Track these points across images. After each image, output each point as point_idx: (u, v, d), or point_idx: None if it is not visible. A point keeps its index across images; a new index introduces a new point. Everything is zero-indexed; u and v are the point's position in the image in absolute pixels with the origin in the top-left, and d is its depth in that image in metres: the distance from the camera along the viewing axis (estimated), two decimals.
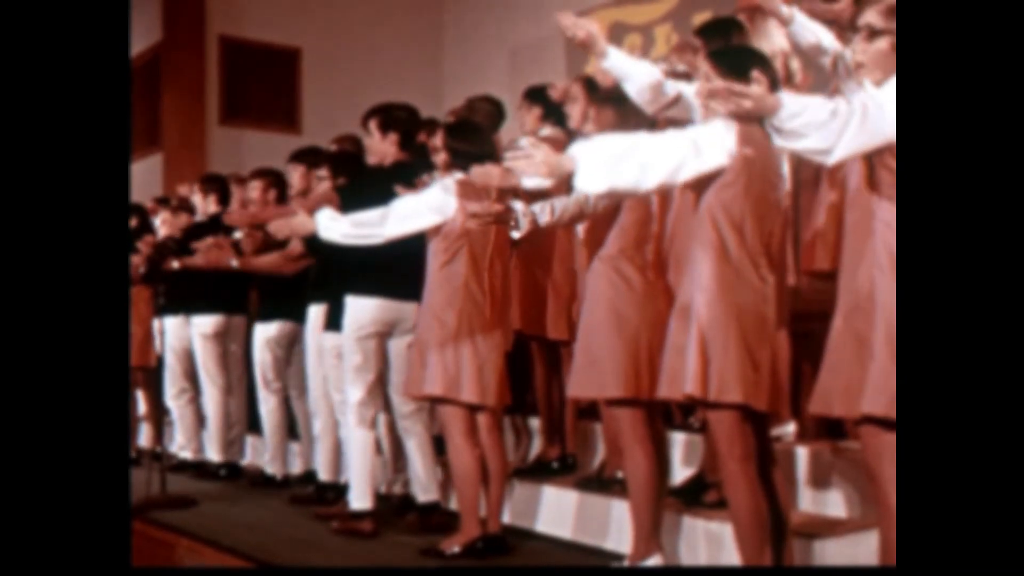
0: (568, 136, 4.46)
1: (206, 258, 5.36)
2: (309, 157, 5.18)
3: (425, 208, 3.85)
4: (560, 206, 3.44)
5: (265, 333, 5.45)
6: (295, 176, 5.20)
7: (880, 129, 2.32)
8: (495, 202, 3.87)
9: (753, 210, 2.89)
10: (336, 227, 3.88)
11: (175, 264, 5.65)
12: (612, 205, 3.37)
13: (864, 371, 2.42)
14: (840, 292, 2.57)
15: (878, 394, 2.38)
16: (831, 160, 2.36)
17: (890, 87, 2.39)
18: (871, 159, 2.46)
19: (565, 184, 3.61)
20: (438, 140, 4.06)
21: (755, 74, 2.82)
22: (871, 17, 2.49)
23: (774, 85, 2.86)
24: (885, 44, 2.47)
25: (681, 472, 4.13)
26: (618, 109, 3.45)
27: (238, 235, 5.55)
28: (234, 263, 5.26)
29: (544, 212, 3.45)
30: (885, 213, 2.42)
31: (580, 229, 3.82)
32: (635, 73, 3.43)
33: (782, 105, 2.32)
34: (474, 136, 4.01)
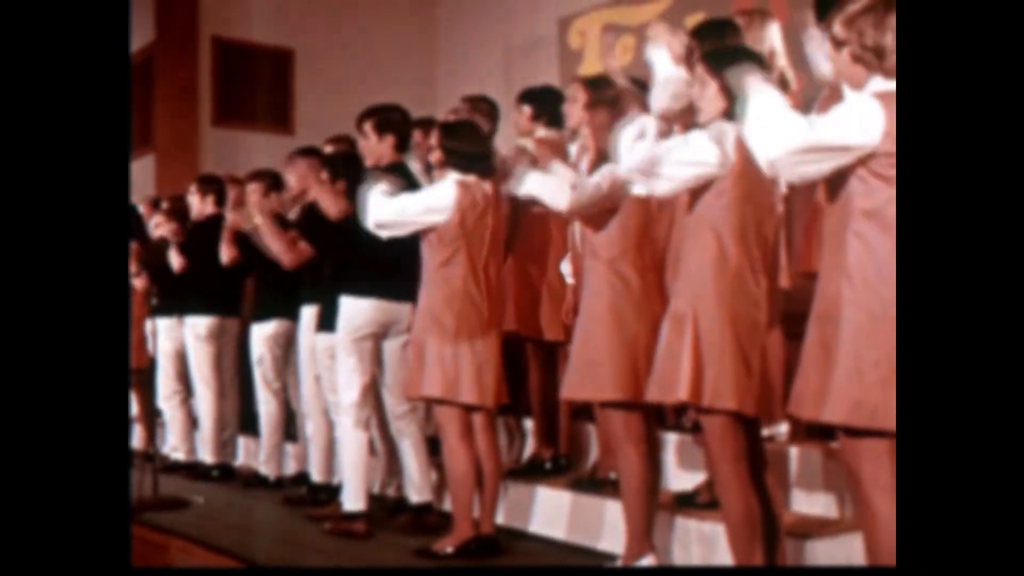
0: (563, 137, 4.48)
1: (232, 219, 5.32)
2: (308, 157, 5.16)
3: (426, 204, 3.86)
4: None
5: (262, 332, 5.44)
6: (293, 177, 5.19)
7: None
8: (496, 204, 3.89)
9: (753, 216, 2.91)
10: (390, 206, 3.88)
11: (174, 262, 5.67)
12: (611, 206, 3.37)
13: (827, 378, 2.45)
14: (815, 298, 2.60)
15: (838, 402, 2.42)
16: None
17: (865, 94, 2.42)
18: (844, 175, 2.48)
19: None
20: (433, 139, 4.07)
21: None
22: (835, 28, 2.52)
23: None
24: (846, 55, 2.50)
25: (674, 473, 4.14)
26: (612, 111, 3.46)
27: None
28: (258, 220, 4.96)
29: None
30: (857, 223, 2.45)
31: (576, 230, 3.83)
32: (664, 72, 3.49)
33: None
34: (470, 137, 4.02)
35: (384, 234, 3.93)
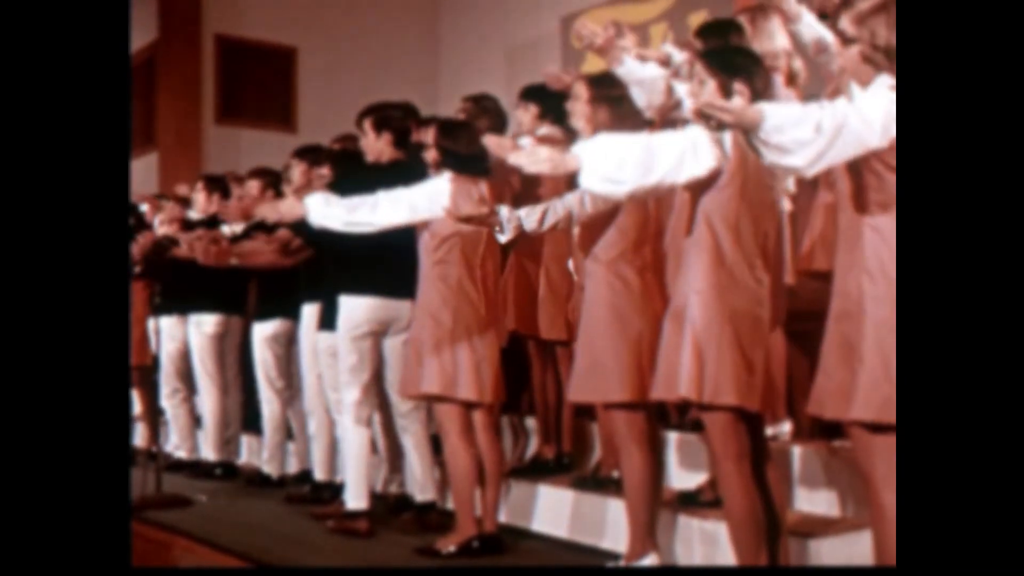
0: (567, 135, 4.45)
1: (205, 255, 5.28)
2: (311, 154, 5.17)
3: (418, 199, 3.84)
4: (550, 213, 3.45)
5: (263, 332, 5.44)
6: (296, 172, 5.20)
7: (860, 139, 2.34)
8: (482, 205, 3.87)
9: (749, 212, 2.90)
10: (332, 212, 3.82)
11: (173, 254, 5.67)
12: (610, 207, 3.37)
13: (852, 375, 2.44)
14: (832, 295, 2.59)
15: (868, 400, 2.41)
16: (809, 173, 2.40)
17: (876, 90, 2.40)
18: (857, 168, 2.46)
19: (564, 184, 3.59)
20: (429, 137, 4.06)
21: (738, 87, 2.84)
22: (844, 24, 2.50)
23: (757, 94, 2.86)
24: (855, 52, 2.48)
25: (677, 472, 4.13)
26: (614, 109, 3.45)
27: (226, 230, 5.57)
28: (234, 261, 5.19)
29: (531, 217, 3.46)
30: (872, 217, 2.44)
31: (575, 231, 3.81)
32: (645, 78, 3.48)
33: (764, 118, 2.30)
34: (465, 137, 4.01)
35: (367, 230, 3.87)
